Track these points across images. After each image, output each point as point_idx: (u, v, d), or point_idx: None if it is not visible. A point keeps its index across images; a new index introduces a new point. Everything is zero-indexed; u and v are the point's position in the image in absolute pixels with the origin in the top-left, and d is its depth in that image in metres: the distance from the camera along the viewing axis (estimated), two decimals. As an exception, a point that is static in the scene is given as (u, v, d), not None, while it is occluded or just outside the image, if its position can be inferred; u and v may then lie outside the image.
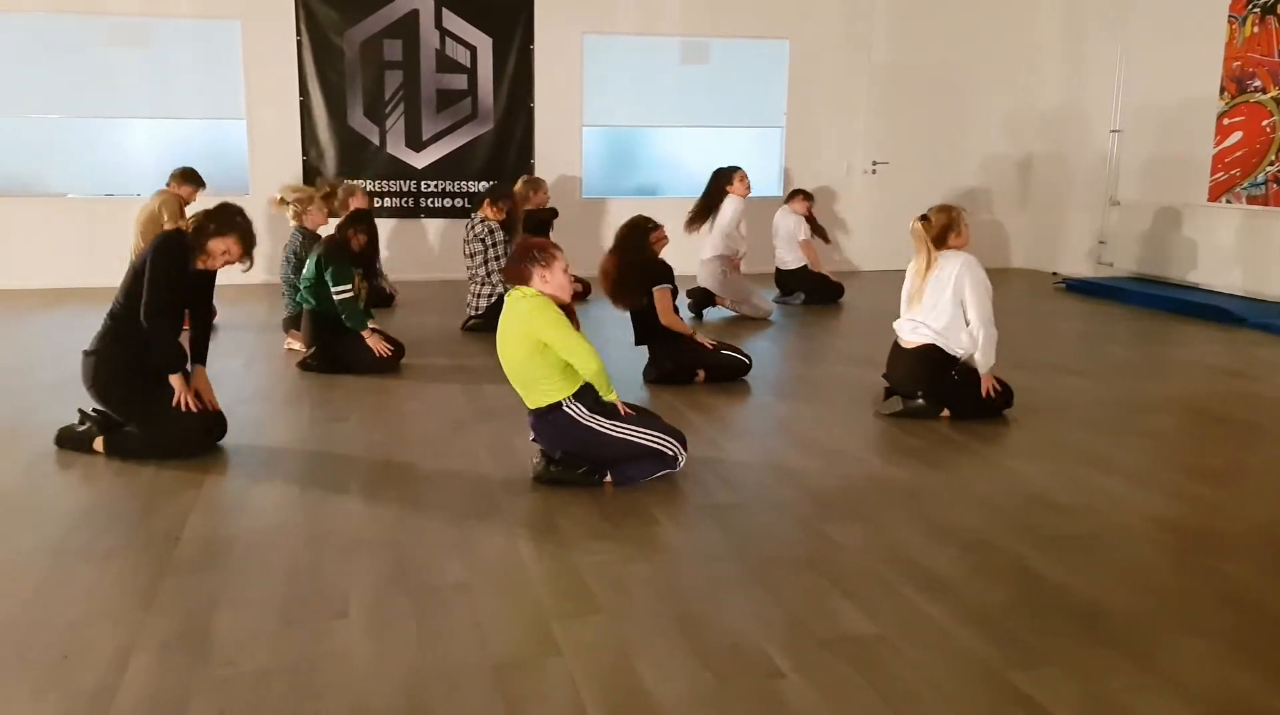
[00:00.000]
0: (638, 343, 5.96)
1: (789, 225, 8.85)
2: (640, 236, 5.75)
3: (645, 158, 11.24)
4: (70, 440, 4.44)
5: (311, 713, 2.46)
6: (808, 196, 9.01)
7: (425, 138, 9.94)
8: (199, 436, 4.44)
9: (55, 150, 9.45)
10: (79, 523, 3.66)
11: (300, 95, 9.54)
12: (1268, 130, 8.49)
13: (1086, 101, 10.49)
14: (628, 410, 4.12)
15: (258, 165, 9.61)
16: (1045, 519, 3.81)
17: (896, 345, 5.27)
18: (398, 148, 9.87)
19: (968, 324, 5.03)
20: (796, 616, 2.97)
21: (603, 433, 4.03)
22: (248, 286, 8.83)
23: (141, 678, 2.59)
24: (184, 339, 4.49)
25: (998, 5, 10.89)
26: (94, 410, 4.46)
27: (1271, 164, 8.46)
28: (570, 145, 10.26)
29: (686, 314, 7.38)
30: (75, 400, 4.64)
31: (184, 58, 9.35)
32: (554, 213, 8.88)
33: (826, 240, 9.21)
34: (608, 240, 6.39)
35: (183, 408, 4.36)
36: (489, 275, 7.33)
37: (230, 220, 4.40)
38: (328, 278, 6.02)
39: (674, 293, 5.86)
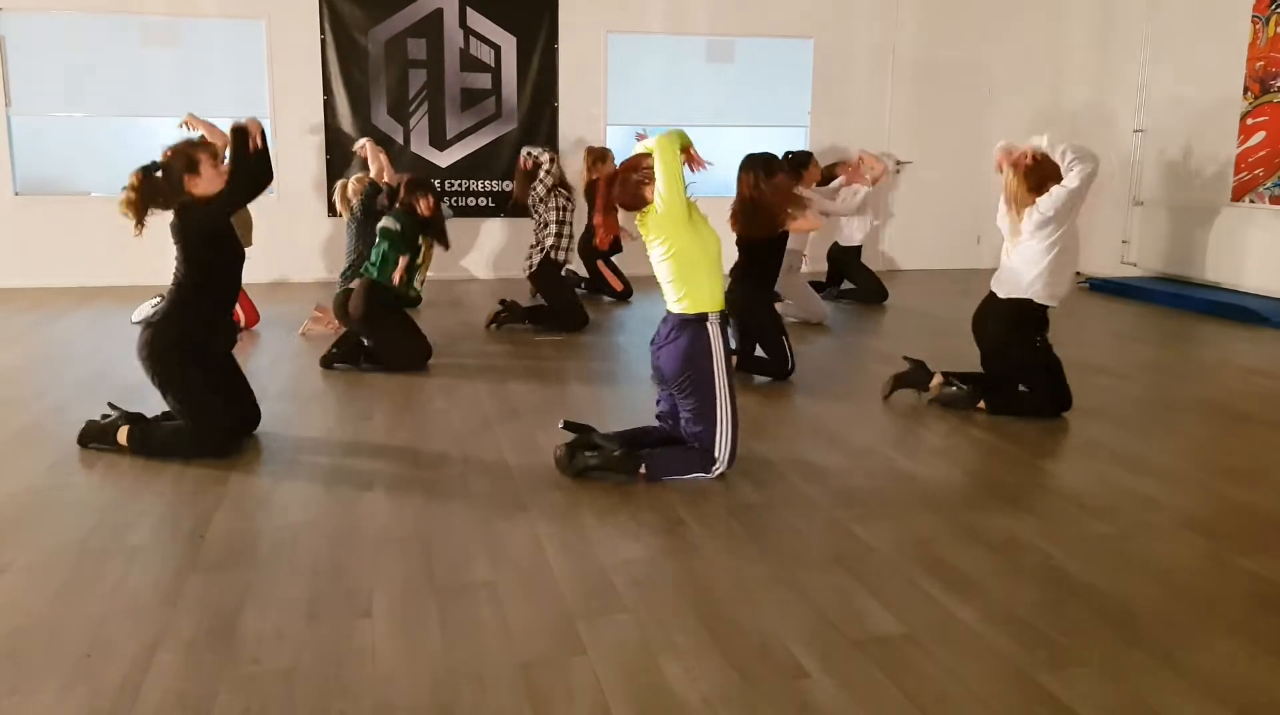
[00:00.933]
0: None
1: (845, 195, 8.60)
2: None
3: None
4: (94, 434, 4.43)
5: (337, 711, 2.46)
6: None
7: (449, 137, 9.94)
8: (233, 423, 4.47)
9: (85, 149, 9.50)
10: (104, 520, 3.68)
11: (324, 94, 9.56)
12: (1291, 130, 8.40)
13: (1112, 101, 10.40)
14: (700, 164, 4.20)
15: (282, 164, 9.52)
16: (1075, 519, 3.77)
17: (989, 296, 5.25)
18: (422, 146, 9.87)
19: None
20: (824, 616, 2.96)
21: (714, 377, 4.05)
22: (272, 286, 8.87)
23: (167, 675, 2.60)
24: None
25: (1022, 4, 10.81)
26: (116, 408, 4.50)
27: (1295, 163, 8.38)
28: (594, 144, 10.22)
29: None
30: (104, 399, 4.69)
31: (211, 57, 9.40)
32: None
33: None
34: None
35: (255, 145, 4.42)
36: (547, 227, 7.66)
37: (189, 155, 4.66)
38: (387, 221, 6.09)
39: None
